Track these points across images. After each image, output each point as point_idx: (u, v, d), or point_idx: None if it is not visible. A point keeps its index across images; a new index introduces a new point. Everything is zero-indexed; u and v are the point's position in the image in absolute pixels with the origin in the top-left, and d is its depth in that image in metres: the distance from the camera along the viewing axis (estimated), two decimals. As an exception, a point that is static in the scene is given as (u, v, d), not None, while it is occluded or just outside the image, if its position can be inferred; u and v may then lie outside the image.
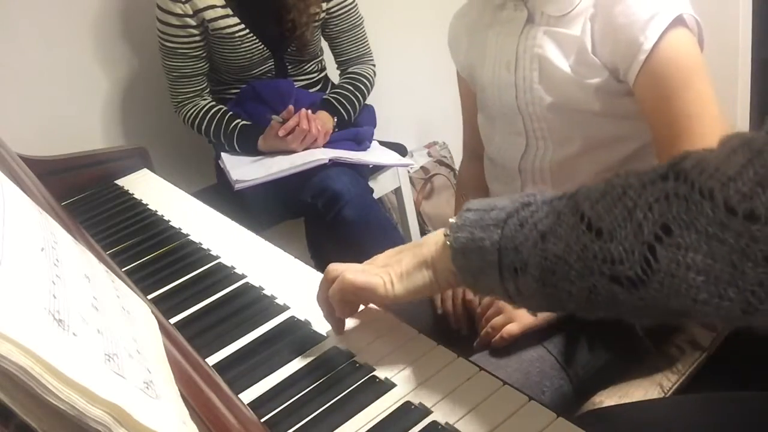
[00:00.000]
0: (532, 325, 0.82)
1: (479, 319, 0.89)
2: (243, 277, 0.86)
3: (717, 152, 0.43)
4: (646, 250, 0.44)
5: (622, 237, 0.46)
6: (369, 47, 1.80)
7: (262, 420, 0.61)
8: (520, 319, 0.82)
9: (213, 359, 0.71)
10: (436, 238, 0.63)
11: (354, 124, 1.71)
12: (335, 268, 0.67)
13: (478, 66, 1.00)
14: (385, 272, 0.65)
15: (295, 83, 1.70)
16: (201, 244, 0.97)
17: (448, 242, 0.60)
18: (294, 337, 0.72)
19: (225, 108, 1.64)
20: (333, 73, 1.84)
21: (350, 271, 0.66)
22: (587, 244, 0.48)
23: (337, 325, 0.70)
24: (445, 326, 0.97)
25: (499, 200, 0.58)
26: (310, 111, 1.56)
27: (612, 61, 0.85)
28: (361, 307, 0.73)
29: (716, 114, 0.82)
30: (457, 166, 2.19)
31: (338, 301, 0.67)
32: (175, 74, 1.62)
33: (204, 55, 1.61)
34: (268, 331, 0.74)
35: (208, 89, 1.69)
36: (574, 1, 0.86)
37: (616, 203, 0.47)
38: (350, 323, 0.72)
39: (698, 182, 0.42)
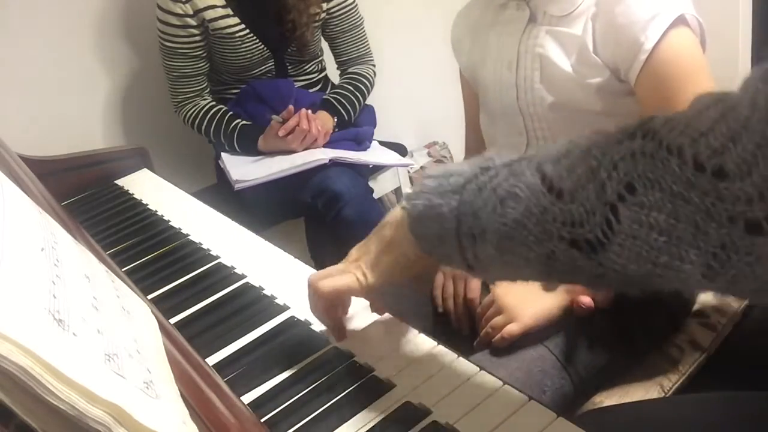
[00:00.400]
0: (532, 325, 0.82)
1: (479, 319, 0.89)
2: (243, 277, 0.86)
3: (688, 110, 0.41)
4: (608, 211, 0.43)
5: (584, 198, 0.44)
6: (369, 47, 1.80)
7: (262, 420, 0.61)
8: (520, 319, 0.82)
9: (213, 359, 0.71)
10: (395, 213, 0.61)
11: (354, 124, 1.71)
12: (312, 280, 0.67)
13: (480, 66, 1.00)
14: (357, 266, 0.65)
15: (295, 83, 1.70)
16: (201, 244, 0.97)
17: (406, 211, 0.58)
18: (294, 337, 0.72)
19: (225, 108, 1.64)
20: (333, 74, 1.84)
21: (323, 281, 0.66)
22: (547, 207, 0.46)
23: (338, 333, 0.70)
24: (446, 326, 0.97)
25: (458, 166, 0.56)
26: (310, 111, 1.56)
27: (613, 61, 0.85)
28: (363, 309, 0.73)
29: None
30: (457, 166, 2.18)
31: (323, 312, 0.68)
32: (175, 74, 1.62)
33: (204, 55, 1.61)
34: (268, 331, 0.74)
35: (209, 89, 1.69)
36: (577, 1, 0.86)
37: (579, 163, 0.45)
38: (350, 324, 0.72)
39: (667, 139, 0.40)
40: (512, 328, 0.82)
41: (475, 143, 1.12)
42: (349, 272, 0.65)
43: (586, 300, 0.81)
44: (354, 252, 0.67)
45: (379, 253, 0.63)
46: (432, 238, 0.56)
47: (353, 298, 0.72)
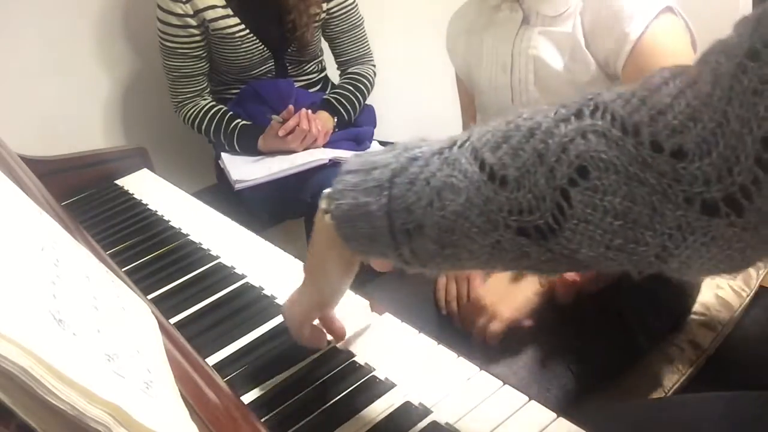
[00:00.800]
0: (513, 318, 0.82)
1: (460, 320, 0.89)
2: (243, 277, 0.86)
3: (644, 84, 0.39)
4: (559, 196, 0.40)
5: (531, 184, 0.41)
6: (369, 47, 1.80)
7: (262, 420, 0.61)
8: (500, 316, 0.82)
9: (213, 359, 0.71)
10: (319, 216, 0.57)
11: (354, 124, 1.71)
12: (284, 314, 0.66)
13: (475, 68, 1.00)
14: (310, 282, 0.63)
15: (295, 83, 1.70)
16: (201, 244, 0.97)
17: (328, 210, 0.54)
18: (294, 337, 0.72)
19: (225, 108, 1.64)
20: (333, 73, 1.84)
21: (289, 313, 0.65)
22: (490, 196, 0.43)
23: (337, 338, 0.69)
24: (450, 328, 0.97)
25: (380, 156, 0.52)
26: (310, 111, 1.56)
27: (604, 56, 0.85)
28: (363, 309, 0.73)
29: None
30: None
31: (311, 341, 0.66)
32: (175, 74, 1.62)
33: (204, 55, 1.61)
34: (268, 331, 0.74)
35: (209, 89, 1.69)
36: (570, 1, 0.86)
37: (523, 146, 0.42)
38: (350, 324, 0.72)
39: (621, 117, 0.38)
40: (494, 327, 0.82)
41: None
42: (305, 293, 0.63)
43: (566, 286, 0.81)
44: (305, 268, 0.65)
45: (319, 264, 0.60)
46: (362, 239, 0.52)
47: (351, 299, 0.72)
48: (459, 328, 0.97)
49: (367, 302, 0.74)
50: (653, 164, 0.37)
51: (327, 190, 0.55)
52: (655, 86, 0.38)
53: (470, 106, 1.08)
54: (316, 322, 0.67)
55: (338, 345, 0.69)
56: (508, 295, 0.83)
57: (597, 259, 0.42)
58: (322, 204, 0.55)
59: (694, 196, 0.36)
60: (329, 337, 0.70)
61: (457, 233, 0.46)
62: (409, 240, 0.49)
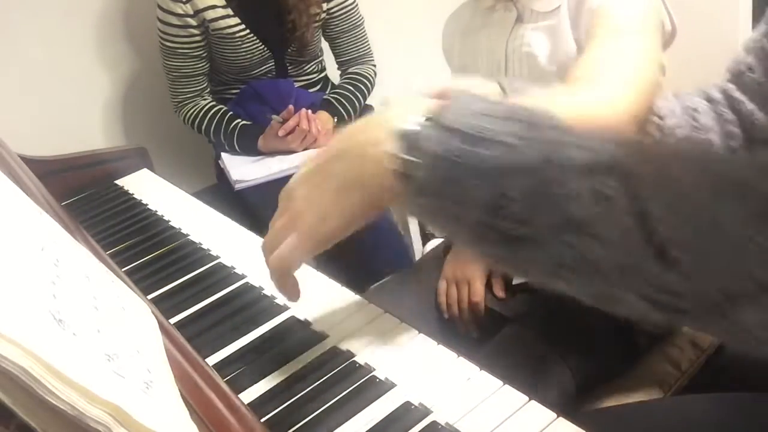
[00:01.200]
0: (484, 278, 0.84)
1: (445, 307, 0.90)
2: (243, 277, 0.86)
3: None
4: (728, 307, 0.34)
5: (705, 287, 0.34)
6: (369, 47, 1.80)
7: (262, 420, 0.61)
8: (474, 283, 0.83)
9: (213, 359, 0.71)
10: (367, 139, 0.47)
11: (354, 124, 1.71)
12: (264, 253, 0.58)
13: (471, 69, 1.00)
14: (300, 214, 0.54)
15: (294, 83, 1.70)
16: (201, 244, 0.97)
17: (405, 170, 0.43)
18: (294, 337, 0.72)
19: (225, 108, 1.64)
20: (333, 73, 1.83)
21: (271, 256, 0.56)
22: (645, 270, 0.35)
23: (292, 292, 0.61)
24: (452, 331, 0.97)
25: (493, 122, 0.40)
26: (310, 111, 1.56)
27: (578, 34, 0.85)
28: (363, 309, 0.73)
29: (633, 70, 0.75)
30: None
31: (290, 290, 0.59)
32: (175, 74, 1.62)
33: (204, 55, 1.61)
34: (268, 331, 0.74)
35: (209, 89, 1.69)
36: None
37: (703, 230, 0.34)
38: (351, 324, 0.72)
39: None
40: (476, 298, 0.83)
41: None
42: (289, 229, 0.55)
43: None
44: (298, 197, 0.56)
45: (335, 198, 0.51)
46: (442, 216, 0.42)
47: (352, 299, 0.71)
48: (461, 332, 0.97)
49: (366, 302, 0.74)
50: None
51: (410, 129, 0.43)
52: None
53: None
54: None
55: (338, 345, 0.69)
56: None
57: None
58: (397, 140, 0.43)
59: None
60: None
61: (582, 276, 0.38)
62: (508, 245, 0.40)
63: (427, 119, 0.43)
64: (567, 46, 0.85)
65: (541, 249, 0.38)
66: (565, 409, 0.79)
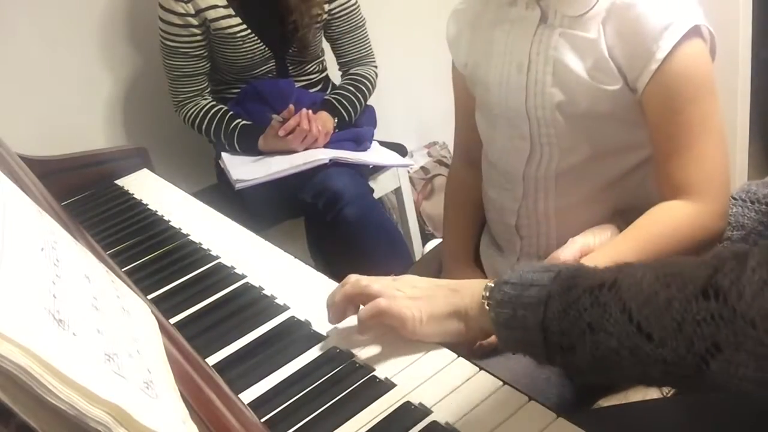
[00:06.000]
0: None
1: None
2: (243, 277, 0.86)
3: (749, 277, 0.46)
4: (699, 360, 0.48)
5: (674, 346, 0.49)
6: (371, 48, 1.80)
7: (262, 420, 0.61)
8: None
9: (213, 359, 0.71)
10: (473, 291, 0.65)
11: (354, 124, 1.71)
12: (364, 284, 0.69)
13: (482, 64, 0.96)
14: (417, 308, 0.66)
15: (295, 83, 1.70)
16: (201, 244, 0.97)
17: (490, 313, 0.62)
18: (294, 337, 0.72)
19: (225, 108, 1.64)
20: (334, 74, 1.84)
21: (385, 296, 0.67)
22: (639, 344, 0.51)
23: (338, 320, 0.71)
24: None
25: (537, 275, 0.60)
26: (310, 111, 1.56)
27: (626, 67, 0.82)
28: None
29: (719, 132, 0.82)
30: (457, 166, 2.18)
31: (366, 323, 0.68)
32: (176, 73, 1.62)
33: (205, 54, 1.61)
34: (268, 331, 0.74)
35: (209, 89, 1.69)
36: (591, 1, 0.84)
37: (663, 313, 0.50)
38: (351, 324, 0.72)
39: (740, 310, 0.46)
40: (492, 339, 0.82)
41: (467, 144, 1.08)
42: (409, 308, 0.66)
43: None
44: (410, 285, 0.69)
45: (445, 313, 0.66)
46: (516, 341, 0.60)
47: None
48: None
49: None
50: None
51: (489, 283, 0.63)
52: (759, 287, 0.45)
53: (467, 103, 1.04)
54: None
55: (338, 345, 0.69)
56: None
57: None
58: (485, 292, 0.63)
59: None
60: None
61: (610, 363, 0.54)
62: (563, 354, 0.57)
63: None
64: (606, 65, 0.83)
65: (579, 353, 0.55)
66: (565, 409, 0.80)
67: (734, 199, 0.83)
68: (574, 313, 0.55)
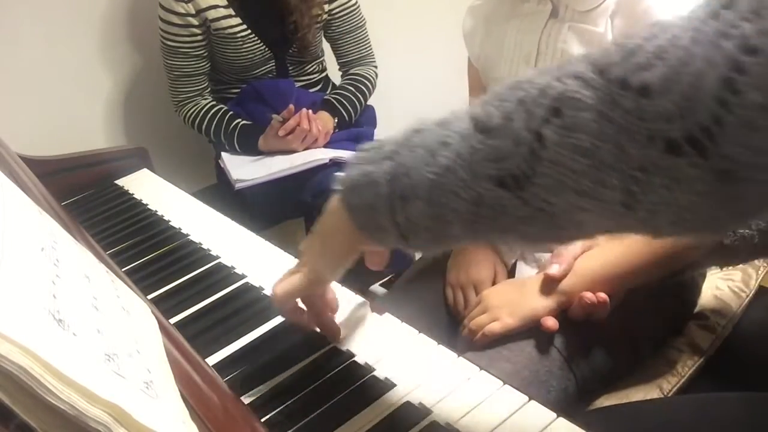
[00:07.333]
0: (514, 326, 0.81)
1: (463, 318, 0.89)
2: (243, 277, 0.86)
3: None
4: (533, 140, 0.42)
5: (511, 130, 0.43)
6: (371, 49, 1.80)
7: (263, 420, 0.61)
8: (503, 319, 0.82)
9: (213, 359, 0.71)
10: (333, 199, 0.60)
11: (354, 124, 1.71)
12: (273, 288, 0.67)
13: (494, 58, 0.98)
14: (304, 263, 0.65)
15: (295, 83, 1.70)
16: (201, 244, 0.97)
17: (340, 184, 0.57)
18: (294, 337, 0.72)
19: (225, 107, 1.64)
20: (334, 74, 1.84)
21: (275, 287, 0.66)
22: (476, 146, 0.45)
23: (330, 333, 0.70)
24: (452, 332, 0.97)
25: (393, 136, 0.55)
26: (310, 111, 1.56)
27: None
28: (363, 309, 0.73)
29: None
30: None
31: (291, 316, 0.69)
32: (176, 73, 1.62)
33: (205, 54, 1.61)
34: (268, 331, 0.74)
35: (209, 89, 1.69)
36: None
37: (508, 97, 0.45)
38: (351, 324, 0.72)
39: (596, 59, 0.41)
40: (494, 327, 0.81)
41: None
42: (298, 271, 0.65)
43: (549, 323, 0.80)
44: (301, 249, 0.66)
45: (322, 243, 0.62)
46: (365, 208, 0.54)
47: (350, 300, 0.71)
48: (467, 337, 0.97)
49: (367, 303, 0.74)
50: (620, 101, 0.38)
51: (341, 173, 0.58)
52: (630, 36, 0.40)
53: (480, 93, 1.06)
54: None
55: (338, 345, 0.69)
56: (518, 303, 0.83)
57: (569, 211, 0.42)
58: (337, 185, 0.58)
59: (657, 134, 0.36)
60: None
61: (445, 188, 0.47)
62: (405, 205, 0.50)
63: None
64: None
65: (419, 189, 0.49)
66: (568, 409, 0.80)
67: None
68: (420, 149, 0.49)
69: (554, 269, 0.81)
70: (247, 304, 0.80)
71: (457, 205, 0.47)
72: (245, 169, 1.54)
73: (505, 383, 0.60)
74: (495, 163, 0.44)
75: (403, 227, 0.51)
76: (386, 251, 0.64)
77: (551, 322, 0.80)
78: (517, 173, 0.43)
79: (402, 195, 0.50)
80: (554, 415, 0.55)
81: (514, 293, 0.84)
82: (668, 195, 0.38)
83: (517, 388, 0.59)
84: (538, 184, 0.43)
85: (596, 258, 0.82)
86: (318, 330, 0.71)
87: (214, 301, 0.82)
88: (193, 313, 0.81)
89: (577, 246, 0.83)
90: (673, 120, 0.36)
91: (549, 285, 0.82)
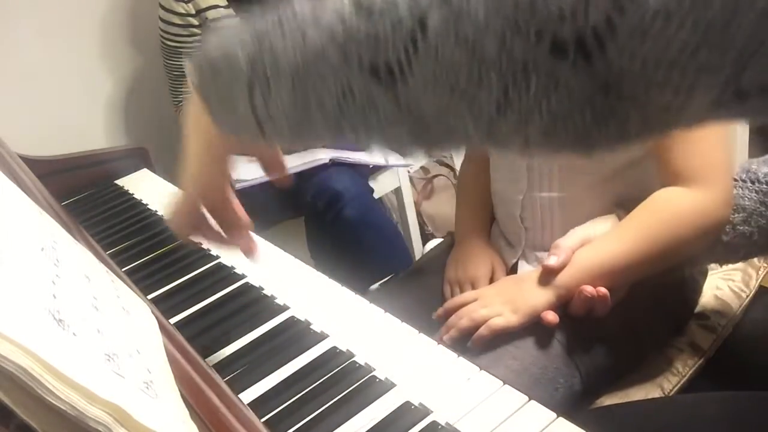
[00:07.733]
0: (516, 323, 0.80)
1: (452, 307, 0.87)
2: (243, 277, 0.86)
3: None
4: (416, 24, 0.38)
5: (394, 10, 0.39)
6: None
7: (262, 420, 0.61)
8: (505, 315, 0.80)
9: (213, 359, 0.71)
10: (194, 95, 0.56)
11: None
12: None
13: None
14: (183, 175, 0.64)
15: (295, 83, 1.70)
16: (200, 243, 0.97)
17: (195, 68, 0.52)
18: (294, 337, 0.72)
19: (225, 108, 1.64)
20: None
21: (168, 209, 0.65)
22: (352, 29, 0.40)
23: (245, 242, 0.71)
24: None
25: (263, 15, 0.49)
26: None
27: None
28: (363, 309, 0.73)
29: (722, 137, 0.82)
30: (457, 166, 2.19)
31: (190, 232, 0.69)
32: (176, 73, 1.62)
33: (204, 55, 1.61)
34: (268, 331, 0.74)
35: (209, 89, 1.69)
36: None
37: None
38: (351, 324, 0.72)
39: None
40: (497, 322, 0.79)
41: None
42: (182, 189, 0.64)
43: (549, 317, 0.79)
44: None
45: (188, 148, 0.61)
46: (222, 93, 0.49)
47: (355, 303, 0.71)
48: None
49: (367, 303, 0.74)
50: None
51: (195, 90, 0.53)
52: None
53: None
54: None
55: (338, 345, 0.69)
56: (515, 299, 0.82)
57: (441, 112, 0.40)
58: (192, 66, 0.52)
59: (545, 32, 0.34)
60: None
61: (312, 73, 0.43)
62: (266, 87, 0.46)
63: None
64: None
65: (284, 71, 0.44)
66: (574, 408, 0.79)
67: (734, 180, 0.82)
68: (289, 26, 0.44)
69: (552, 261, 0.81)
70: (247, 304, 0.80)
71: (322, 94, 0.43)
72: (245, 169, 1.54)
73: (505, 383, 0.60)
74: (370, 51, 0.40)
75: (263, 115, 0.47)
76: (278, 154, 0.64)
77: (551, 316, 0.79)
78: (391, 64, 0.39)
79: (266, 77, 0.45)
80: (554, 415, 0.55)
81: (513, 288, 0.84)
82: (544, 100, 0.35)
83: (525, 386, 0.59)
84: (413, 77, 0.39)
85: (595, 250, 0.82)
86: (239, 249, 0.71)
87: (213, 301, 0.82)
88: (193, 313, 0.81)
89: (575, 238, 0.83)
90: (564, 19, 0.33)
91: (547, 277, 0.81)
